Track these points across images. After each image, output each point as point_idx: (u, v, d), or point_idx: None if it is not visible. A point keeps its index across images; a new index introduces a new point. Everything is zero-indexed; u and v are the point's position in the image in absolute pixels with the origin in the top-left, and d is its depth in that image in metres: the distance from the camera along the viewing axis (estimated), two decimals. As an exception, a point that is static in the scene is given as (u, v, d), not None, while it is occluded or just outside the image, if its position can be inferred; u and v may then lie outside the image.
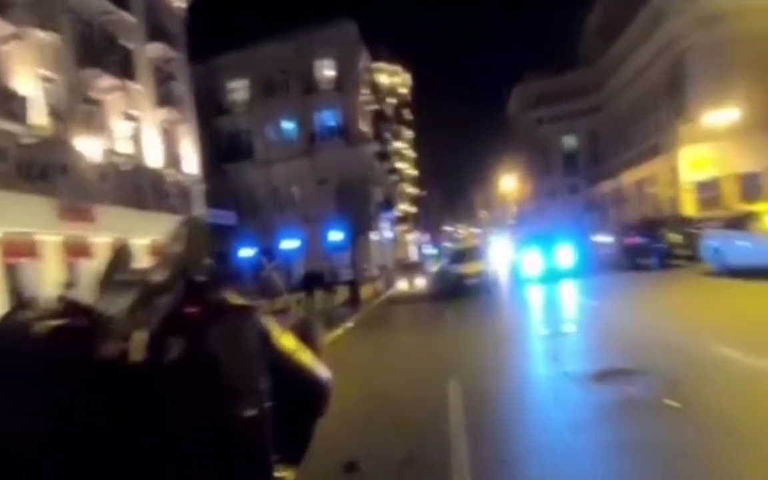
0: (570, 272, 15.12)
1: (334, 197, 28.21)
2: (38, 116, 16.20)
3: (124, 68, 21.13)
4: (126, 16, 21.52)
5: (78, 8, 18.91)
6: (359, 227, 25.92)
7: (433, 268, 20.34)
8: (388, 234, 36.55)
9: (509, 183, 46.89)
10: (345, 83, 32.44)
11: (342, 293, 15.97)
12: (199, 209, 25.51)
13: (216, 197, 28.01)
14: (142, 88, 22.25)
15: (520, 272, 16.31)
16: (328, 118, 32.65)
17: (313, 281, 15.08)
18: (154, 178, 22.54)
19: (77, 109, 18.35)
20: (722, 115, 21.89)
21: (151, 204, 21.68)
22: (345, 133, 31.94)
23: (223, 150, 32.54)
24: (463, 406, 4.93)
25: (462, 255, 17.35)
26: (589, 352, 6.76)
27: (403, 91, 59.94)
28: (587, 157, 45.60)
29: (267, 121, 32.92)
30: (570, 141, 47.75)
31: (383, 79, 55.67)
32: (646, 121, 33.78)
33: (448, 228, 62.99)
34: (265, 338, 1.82)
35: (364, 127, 34.44)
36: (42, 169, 16.08)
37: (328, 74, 32.92)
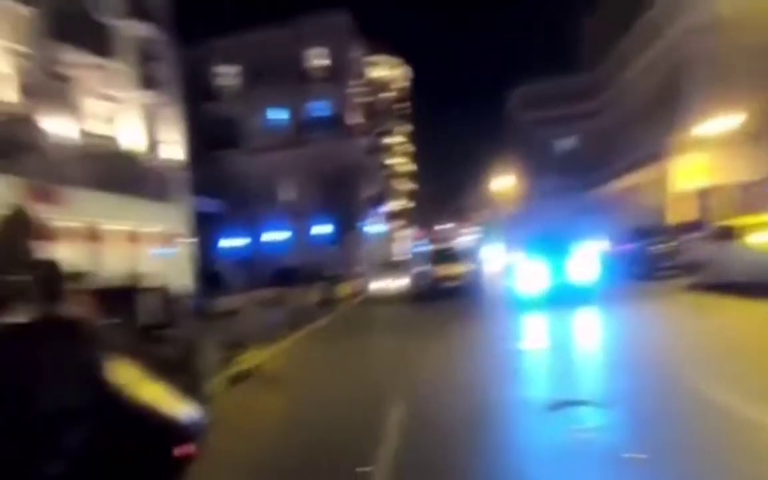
0: (590, 289, 11.01)
1: (322, 189, 27.48)
2: (7, 92, 15.43)
3: (101, 45, 20.28)
4: (107, -8, 20.68)
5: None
6: (347, 222, 25.23)
7: (419, 267, 19.71)
8: (378, 230, 35.89)
9: (504, 182, 46.25)
10: (337, 74, 31.74)
11: (318, 291, 15.32)
12: (182, 196, 24.80)
13: (205, 185, 27.32)
14: (121, 69, 21.42)
15: (516, 285, 12.16)
16: (319, 108, 31.93)
17: (286, 277, 14.41)
18: (134, 162, 21.79)
19: (48, 85, 17.55)
20: (720, 124, 21.40)
21: (129, 189, 20.92)
22: (336, 124, 31.23)
23: (212, 137, 31.81)
24: (399, 437, 4.37)
25: (442, 255, 16.58)
26: (560, 375, 6.14)
27: (403, 84, 59.14)
28: (582, 161, 45.20)
29: (257, 109, 32.19)
30: (565, 144, 47.44)
31: (381, 72, 54.90)
32: (643, 129, 33.45)
33: (441, 226, 62.41)
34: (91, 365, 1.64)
35: (357, 119, 33.73)
36: (8, 147, 15.30)
37: (321, 64, 32.21)
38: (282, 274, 14.74)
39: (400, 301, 15.64)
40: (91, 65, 19.13)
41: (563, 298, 10.85)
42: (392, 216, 42.88)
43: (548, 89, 45.91)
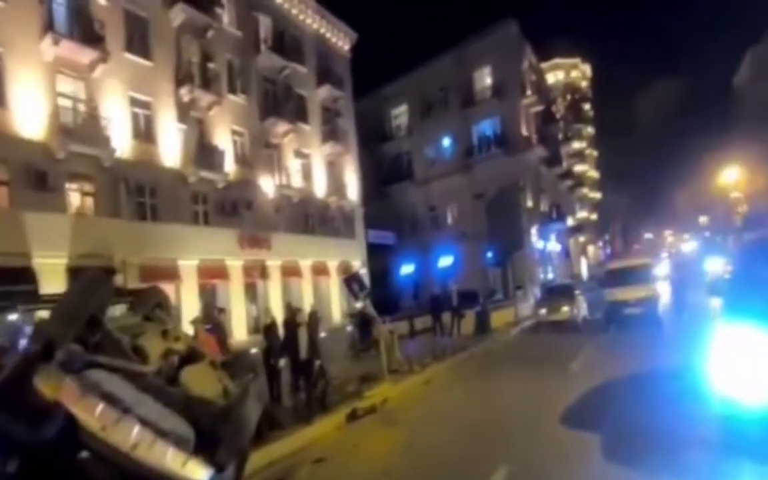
0: None
1: (485, 210, 26.64)
2: (229, 164, 20.27)
3: (298, 113, 24.62)
4: (300, 68, 25.15)
5: (263, 70, 22.93)
6: (511, 242, 23.70)
7: (594, 290, 16.93)
8: (551, 248, 32.50)
9: (732, 175, 36.09)
10: (504, 89, 30.69)
11: (471, 319, 14.69)
12: (360, 231, 27.72)
13: (378, 219, 29.97)
14: (311, 128, 25.54)
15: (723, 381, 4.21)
16: (485, 128, 31.35)
17: (441, 304, 14.35)
18: (320, 206, 25.46)
19: (259, 154, 22.25)
20: None
21: (317, 229, 24.59)
22: (504, 141, 30.07)
23: (385, 174, 34.66)
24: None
25: (619, 276, 13.57)
26: None
27: (583, 84, 53.14)
28: None
29: (426, 140, 33.66)
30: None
31: (558, 76, 50.62)
32: None
33: (648, 235, 52.42)
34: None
35: (527, 131, 31.75)
36: (232, 207, 20.00)
37: (487, 83, 31.75)
38: (437, 300, 14.71)
39: (564, 330, 13.56)
40: (290, 131, 23.49)
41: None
42: (572, 230, 38.25)
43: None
